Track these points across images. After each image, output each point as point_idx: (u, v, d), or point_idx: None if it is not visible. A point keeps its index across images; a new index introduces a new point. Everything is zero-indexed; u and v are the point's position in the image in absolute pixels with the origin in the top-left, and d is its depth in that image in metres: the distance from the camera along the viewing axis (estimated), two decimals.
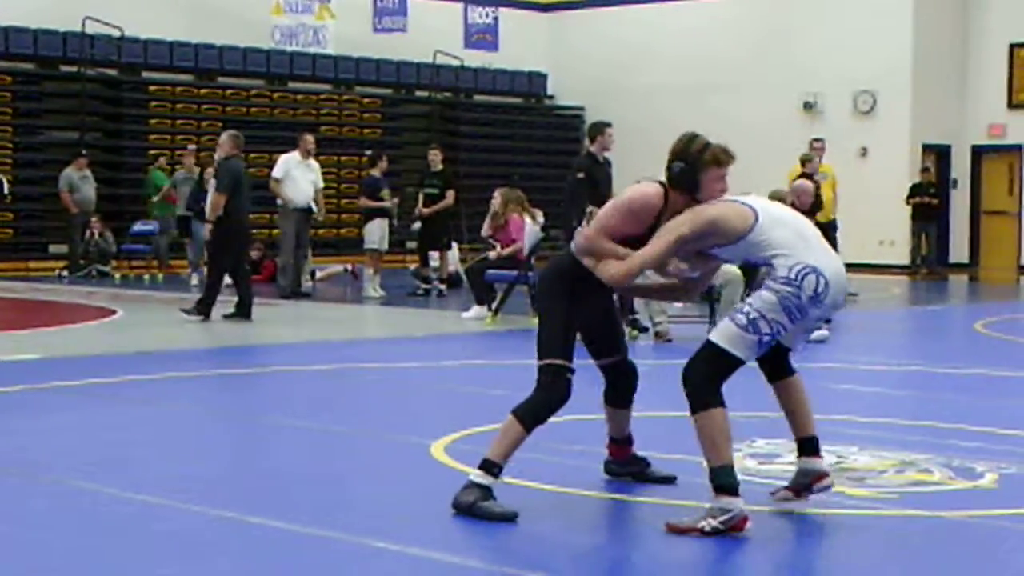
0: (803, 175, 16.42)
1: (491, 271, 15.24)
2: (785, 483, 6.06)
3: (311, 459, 7.31)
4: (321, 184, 18.06)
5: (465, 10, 27.83)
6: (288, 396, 9.74)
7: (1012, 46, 25.95)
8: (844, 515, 5.90)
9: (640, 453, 6.54)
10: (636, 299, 12.98)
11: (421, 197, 18.54)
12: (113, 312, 15.34)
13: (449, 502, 5.83)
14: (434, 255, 18.63)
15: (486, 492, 5.79)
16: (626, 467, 6.50)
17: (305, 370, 10.92)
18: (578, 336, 6.03)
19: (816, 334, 12.60)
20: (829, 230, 16.38)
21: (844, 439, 7.34)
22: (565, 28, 30.26)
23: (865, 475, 6.61)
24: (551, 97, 30.33)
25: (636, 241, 5.83)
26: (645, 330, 13.21)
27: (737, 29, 27.64)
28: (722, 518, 5.44)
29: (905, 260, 25.11)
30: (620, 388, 6.38)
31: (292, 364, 11.25)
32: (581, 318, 6.00)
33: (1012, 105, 26.08)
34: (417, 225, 18.65)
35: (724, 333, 5.62)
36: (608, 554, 5.48)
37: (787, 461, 6.74)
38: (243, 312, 14.20)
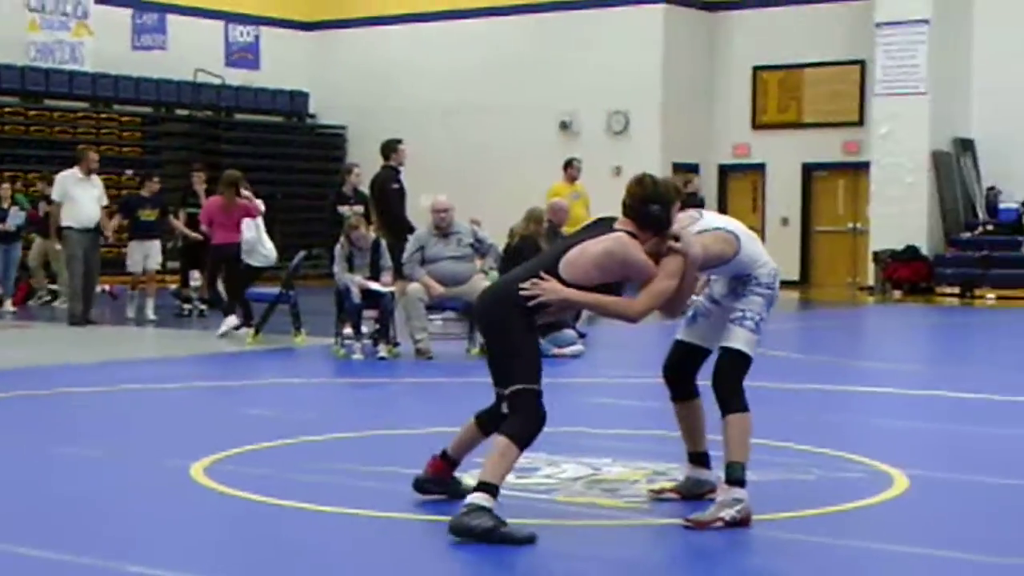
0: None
1: (253, 290, 15.36)
2: (558, 492, 6.51)
3: (65, 483, 7.13)
4: (105, 201, 17.16)
5: (226, 28, 27.81)
6: (41, 420, 9.51)
7: (755, 69, 27.12)
8: (597, 526, 6.12)
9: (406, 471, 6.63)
10: (399, 317, 13.32)
11: (183, 217, 18.51)
12: None
13: (206, 524, 5.80)
14: (195, 275, 18.61)
15: (497, 517, 5.77)
16: (440, 485, 6.49)
17: (57, 393, 10.63)
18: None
19: (571, 348, 13.09)
20: None
21: (598, 451, 7.56)
22: (327, 47, 30.38)
23: (618, 486, 6.83)
24: (313, 116, 30.38)
25: (605, 288, 6.03)
26: (398, 345, 13.45)
27: (495, 49, 28.16)
28: (739, 507, 5.98)
29: None
30: (503, 418, 6.10)
31: (39, 388, 10.80)
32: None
33: (756, 126, 27.24)
34: (179, 244, 18.66)
35: (744, 339, 6.18)
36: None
37: (544, 474, 7.05)
38: None
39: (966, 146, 25.11)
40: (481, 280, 13.25)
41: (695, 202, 14.26)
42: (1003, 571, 5.45)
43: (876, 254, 24.68)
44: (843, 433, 8.43)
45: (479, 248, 13.47)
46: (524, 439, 5.87)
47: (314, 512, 6.34)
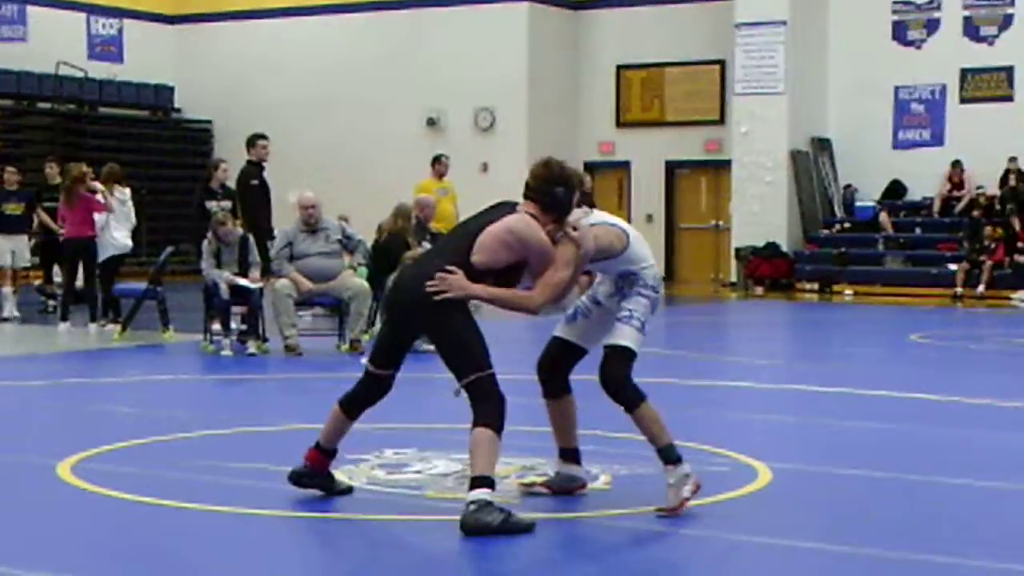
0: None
1: (120, 285, 15.25)
2: (428, 488, 6.64)
3: None
4: None
5: (88, 20, 27.41)
6: None
7: (619, 67, 27.43)
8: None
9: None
10: (269, 312, 13.30)
11: (41, 211, 18.19)
12: None
13: (72, 523, 5.80)
14: (57, 270, 18.32)
15: (503, 508, 5.82)
16: (316, 479, 6.45)
17: None
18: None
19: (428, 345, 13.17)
20: None
21: (454, 446, 7.55)
22: (192, 40, 30.05)
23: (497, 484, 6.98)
24: (178, 110, 30.07)
25: (506, 270, 6.09)
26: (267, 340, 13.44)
27: (363, 45, 28.13)
28: (690, 481, 6.26)
29: None
30: (370, 399, 6.33)
31: None
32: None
33: (620, 123, 27.57)
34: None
35: (630, 336, 6.30)
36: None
37: (415, 470, 7.13)
38: None
39: (823, 145, 25.68)
40: (350, 276, 13.30)
41: (587, 201, 14.31)
42: (865, 561, 5.64)
43: (738, 251, 25.13)
44: (708, 427, 8.62)
45: (347, 244, 13.51)
46: (499, 423, 5.92)
47: (182, 510, 6.35)
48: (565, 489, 6.69)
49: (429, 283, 5.99)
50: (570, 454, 6.71)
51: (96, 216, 15.38)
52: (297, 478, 6.46)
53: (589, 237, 6.22)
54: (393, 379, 6.34)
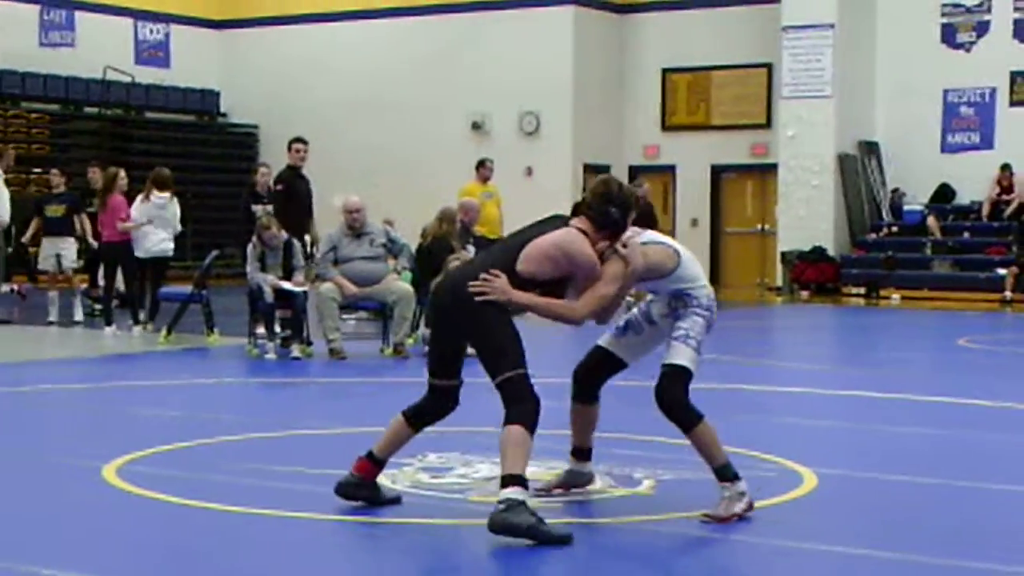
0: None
1: (164, 289, 15.32)
2: (472, 492, 6.65)
3: None
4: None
5: (136, 26, 27.59)
6: None
7: (664, 71, 27.37)
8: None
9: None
10: (313, 316, 13.32)
11: (84, 217, 18.24)
12: None
13: (118, 525, 5.79)
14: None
15: (535, 512, 5.75)
16: (363, 490, 6.37)
17: None
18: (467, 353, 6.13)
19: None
20: None
21: (497, 450, 7.63)
22: (237, 45, 30.23)
23: (531, 485, 6.83)
24: (224, 115, 30.22)
25: (551, 282, 6.10)
26: (311, 344, 13.45)
27: (407, 49, 28.18)
28: (746, 499, 6.24)
29: None
30: (436, 412, 6.30)
31: None
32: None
33: (665, 127, 27.51)
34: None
35: (688, 357, 6.29)
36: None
37: (459, 474, 7.12)
38: None
39: (871, 149, 25.52)
40: (394, 280, 13.30)
41: (648, 218, 14.29)
42: (912, 568, 5.58)
43: (784, 255, 25.01)
44: (754, 433, 8.56)
45: (392, 248, 13.51)
46: (532, 422, 5.85)
47: (226, 512, 6.34)
48: (574, 484, 6.74)
49: (472, 283, 5.97)
50: (583, 453, 6.77)
51: (133, 219, 15.43)
52: (345, 489, 6.38)
53: (638, 254, 6.21)
54: (458, 390, 6.27)
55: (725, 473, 6.29)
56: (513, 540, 5.73)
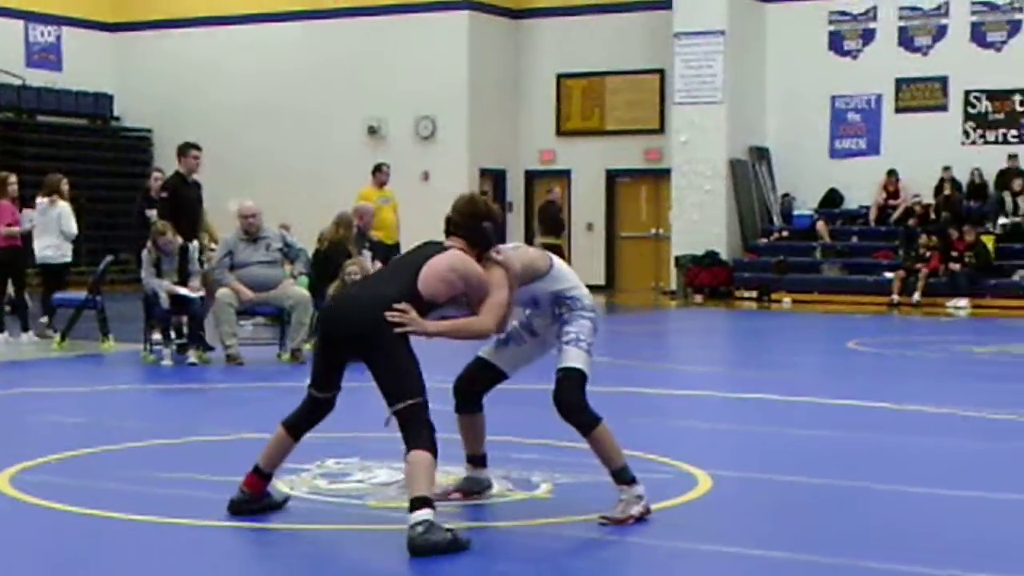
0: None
1: (58, 295, 15.15)
2: (370, 497, 6.71)
3: None
4: None
5: (26, 28, 27.20)
6: None
7: (559, 76, 27.54)
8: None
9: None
10: (209, 320, 13.26)
11: None
12: None
13: (10, 536, 5.75)
14: None
15: (449, 528, 5.82)
16: (256, 504, 6.39)
17: None
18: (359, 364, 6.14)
19: None
20: (394, 252, 17.02)
21: (395, 455, 7.67)
22: (131, 48, 29.88)
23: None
24: (117, 119, 29.86)
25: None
26: (211, 349, 13.40)
27: (303, 53, 28.09)
28: (641, 504, 6.33)
29: None
30: (314, 420, 6.35)
31: None
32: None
33: (560, 132, 27.68)
34: None
35: (582, 360, 6.39)
36: None
37: (357, 480, 7.15)
38: None
39: (761, 154, 25.88)
40: (291, 285, 13.28)
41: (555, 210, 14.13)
42: (803, 568, 5.71)
43: (678, 259, 25.26)
44: (651, 436, 8.66)
45: (288, 253, 13.48)
46: (435, 448, 5.94)
47: (115, 521, 6.32)
48: (473, 491, 6.85)
49: (389, 313, 6.00)
50: (478, 460, 6.87)
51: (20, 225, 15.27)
52: (238, 506, 6.38)
53: (513, 257, 6.37)
54: (335, 398, 6.34)
55: (623, 476, 6.39)
56: (421, 557, 5.72)
